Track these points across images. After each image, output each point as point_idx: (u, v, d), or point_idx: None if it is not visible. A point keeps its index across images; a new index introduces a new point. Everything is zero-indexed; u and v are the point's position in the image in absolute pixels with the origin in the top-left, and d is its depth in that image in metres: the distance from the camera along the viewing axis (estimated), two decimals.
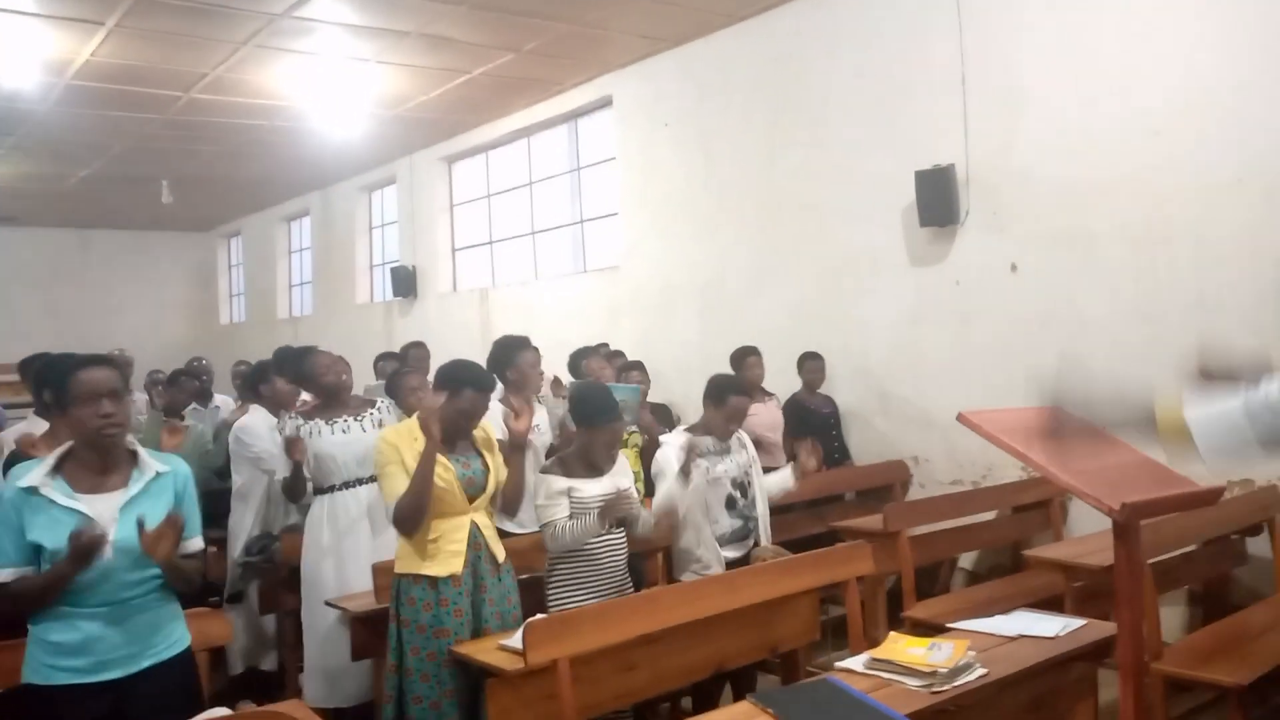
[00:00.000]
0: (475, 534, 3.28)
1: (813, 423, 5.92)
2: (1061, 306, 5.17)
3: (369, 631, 3.59)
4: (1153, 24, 4.78)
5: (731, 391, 3.91)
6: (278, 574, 4.32)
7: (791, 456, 5.82)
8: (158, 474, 2.51)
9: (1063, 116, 5.15)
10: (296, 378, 4.18)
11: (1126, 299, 4.92)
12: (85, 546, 2.25)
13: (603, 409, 3.49)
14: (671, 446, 3.79)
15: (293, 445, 3.93)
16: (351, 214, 11.87)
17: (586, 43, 7.13)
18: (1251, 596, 4.39)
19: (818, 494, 5.56)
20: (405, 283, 10.42)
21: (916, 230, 5.77)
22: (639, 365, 5.93)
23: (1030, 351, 5.30)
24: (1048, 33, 5.18)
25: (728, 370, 5.80)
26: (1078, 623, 2.94)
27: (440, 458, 3.23)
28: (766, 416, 5.80)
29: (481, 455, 3.39)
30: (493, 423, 4.18)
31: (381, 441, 3.31)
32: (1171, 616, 4.54)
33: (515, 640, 2.92)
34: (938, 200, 5.59)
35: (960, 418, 2.31)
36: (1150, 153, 4.81)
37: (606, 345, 6.35)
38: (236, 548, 4.59)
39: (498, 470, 3.40)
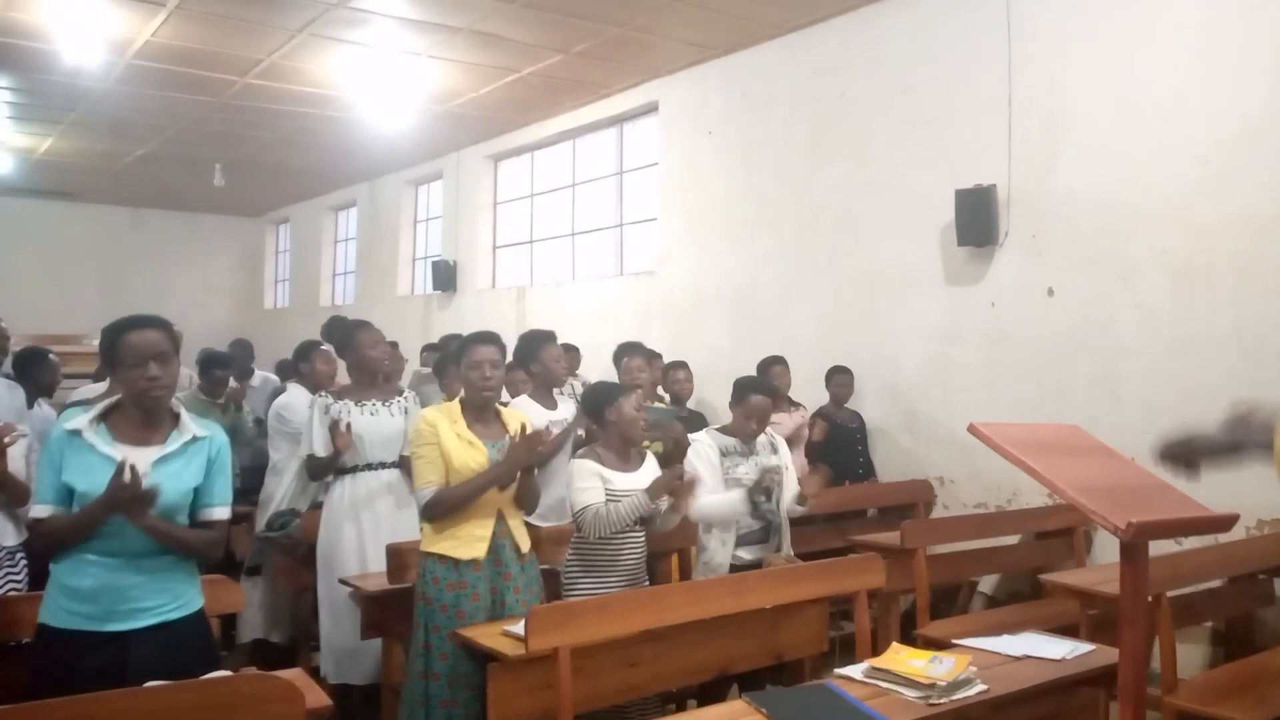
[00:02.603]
0: (501, 521, 3.31)
1: (839, 437, 5.91)
2: (1097, 333, 5.10)
3: (381, 611, 3.63)
4: (1203, 53, 4.71)
5: (751, 391, 3.92)
6: (296, 550, 4.39)
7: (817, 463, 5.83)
8: (195, 437, 2.56)
9: (1108, 141, 5.09)
10: (342, 346, 4.23)
11: (1163, 328, 4.84)
12: (121, 489, 2.30)
13: (607, 399, 3.58)
14: (700, 445, 3.85)
15: (337, 434, 3.98)
16: (397, 207, 12.03)
17: (635, 47, 7.17)
18: (1277, 639, 4.29)
19: (840, 508, 5.54)
20: (445, 277, 10.54)
21: (954, 249, 5.73)
22: (683, 365, 5.91)
23: (1064, 377, 5.23)
24: (1096, 56, 5.13)
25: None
26: (1086, 647, 2.89)
27: (475, 440, 3.28)
28: (790, 426, 5.78)
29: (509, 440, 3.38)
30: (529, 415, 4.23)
31: (421, 420, 3.33)
32: (1192, 653, 4.45)
33: (519, 626, 2.94)
34: (977, 220, 5.55)
35: (971, 429, 2.29)
36: (1194, 182, 4.74)
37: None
38: (264, 521, 4.67)
39: None
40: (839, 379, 6.02)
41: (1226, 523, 2.22)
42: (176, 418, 2.57)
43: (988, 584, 5.46)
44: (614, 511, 3.35)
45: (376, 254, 12.47)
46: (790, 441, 5.69)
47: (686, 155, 7.83)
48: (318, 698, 2.35)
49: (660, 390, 5.81)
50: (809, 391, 6.09)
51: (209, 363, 5.58)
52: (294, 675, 2.48)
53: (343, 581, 3.85)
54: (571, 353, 6.03)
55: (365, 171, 11.95)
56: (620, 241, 8.90)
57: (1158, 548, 3.88)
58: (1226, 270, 4.63)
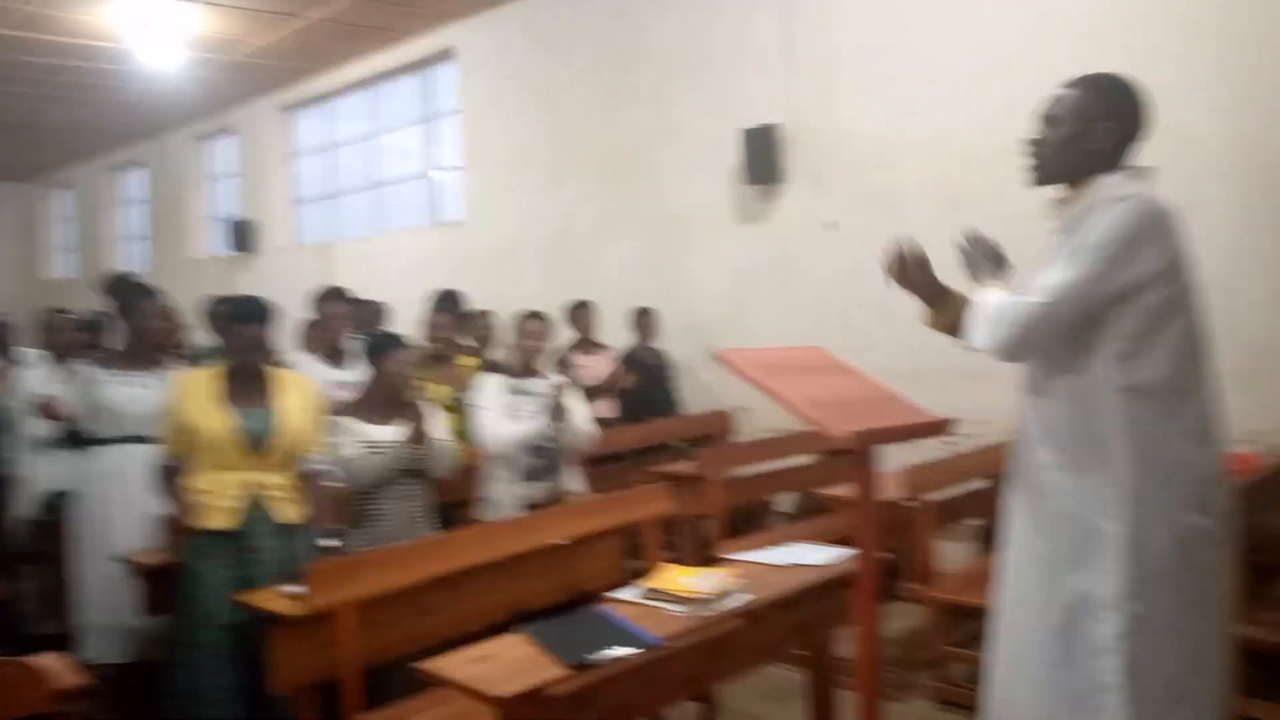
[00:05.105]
0: (254, 490, 3.12)
1: (644, 374, 6.04)
2: (875, 263, 5.36)
3: (160, 586, 3.48)
4: None
5: (526, 320, 4.12)
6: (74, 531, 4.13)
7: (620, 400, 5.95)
8: None
9: (879, 78, 5.35)
10: (124, 309, 3.94)
11: (935, 257, 5.16)
12: None
13: (384, 348, 3.58)
14: (483, 389, 3.91)
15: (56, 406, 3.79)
16: (187, 165, 11.33)
17: None
18: None
19: (644, 444, 5.69)
20: (244, 236, 10.04)
21: (744, 188, 5.91)
22: (484, 313, 5.87)
23: (848, 305, 5.52)
24: None
25: (564, 324, 5.88)
26: (848, 552, 3.10)
27: (221, 408, 3.12)
28: (599, 368, 5.88)
29: (271, 408, 3.18)
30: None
31: (174, 385, 3.24)
32: (961, 551, 4.85)
33: (300, 586, 2.89)
34: (763, 159, 5.75)
35: (717, 355, 2.40)
36: (958, 114, 5.05)
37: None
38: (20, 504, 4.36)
39: (286, 424, 3.18)
40: (643, 319, 6.15)
41: (941, 426, 2.43)
42: None
43: (789, 504, 5.77)
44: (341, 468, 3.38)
45: (169, 216, 11.74)
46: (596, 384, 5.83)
47: (489, 102, 7.71)
48: (69, 679, 2.26)
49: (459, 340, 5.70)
50: (621, 333, 6.19)
51: None
52: (46, 659, 2.36)
53: (119, 559, 3.65)
54: (369, 307, 5.87)
55: (151, 129, 11.17)
56: (430, 192, 8.72)
57: (928, 455, 4.21)
58: (987, 198, 4.97)
